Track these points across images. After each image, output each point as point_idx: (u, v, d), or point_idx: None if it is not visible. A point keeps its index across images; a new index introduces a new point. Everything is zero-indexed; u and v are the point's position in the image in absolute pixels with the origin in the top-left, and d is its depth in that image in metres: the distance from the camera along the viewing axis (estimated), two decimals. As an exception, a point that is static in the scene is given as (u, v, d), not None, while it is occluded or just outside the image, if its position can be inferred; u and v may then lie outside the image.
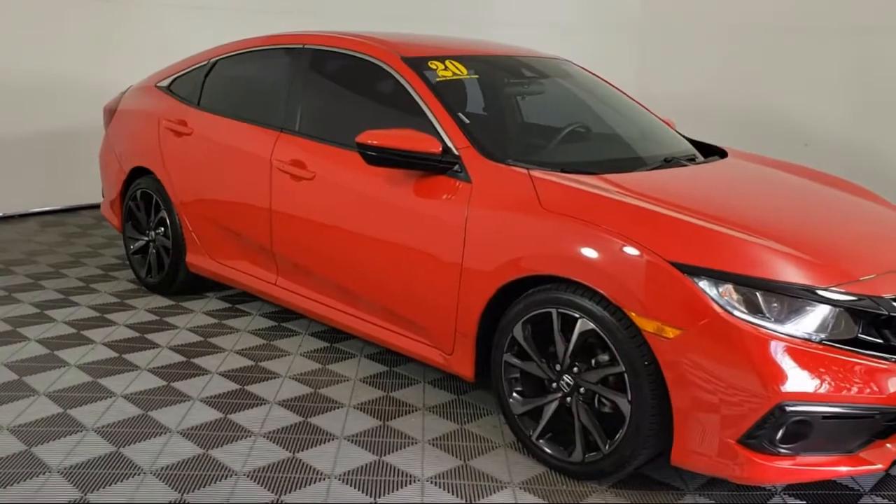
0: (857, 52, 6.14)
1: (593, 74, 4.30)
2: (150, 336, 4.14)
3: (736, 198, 3.24)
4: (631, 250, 2.70)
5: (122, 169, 4.93)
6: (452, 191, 3.21)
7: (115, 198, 5.05)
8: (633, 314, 2.67)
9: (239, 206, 4.14)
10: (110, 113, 5.16)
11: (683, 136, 4.08)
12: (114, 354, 3.89)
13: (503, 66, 3.99)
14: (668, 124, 4.18)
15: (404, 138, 3.24)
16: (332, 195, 3.64)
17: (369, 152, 3.27)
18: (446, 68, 3.65)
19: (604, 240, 2.75)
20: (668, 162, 3.57)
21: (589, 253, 2.78)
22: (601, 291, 2.74)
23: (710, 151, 3.93)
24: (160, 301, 4.71)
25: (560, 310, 2.86)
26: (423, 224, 3.27)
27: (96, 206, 7.00)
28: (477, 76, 3.78)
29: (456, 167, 3.24)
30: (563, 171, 3.19)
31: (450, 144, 3.29)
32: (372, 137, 3.26)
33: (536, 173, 3.09)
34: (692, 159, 3.72)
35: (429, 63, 3.65)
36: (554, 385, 2.96)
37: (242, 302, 4.73)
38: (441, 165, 3.24)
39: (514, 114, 3.79)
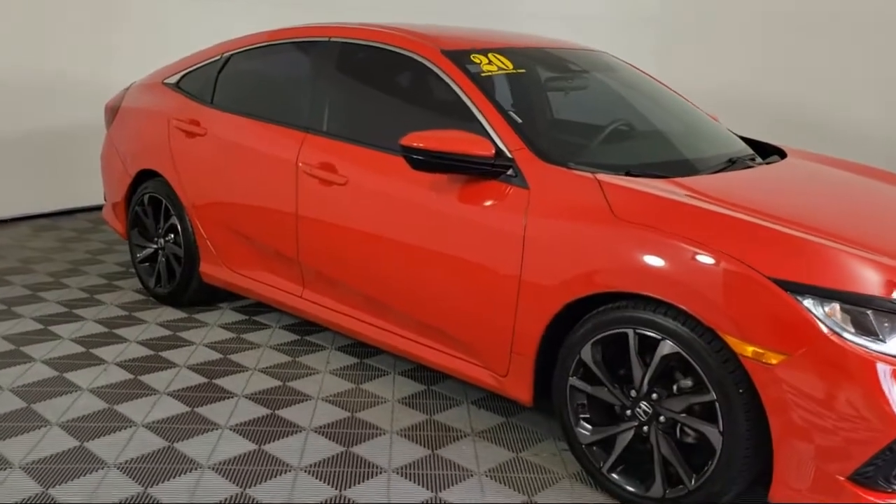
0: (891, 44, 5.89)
1: (634, 68, 4.02)
2: (165, 354, 3.82)
3: (823, 204, 2.98)
4: (725, 265, 2.42)
5: (126, 171, 4.60)
6: (506, 197, 2.93)
7: (119, 202, 4.72)
8: (728, 337, 2.40)
9: (260, 213, 3.84)
10: (112, 111, 4.83)
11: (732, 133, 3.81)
12: (128, 376, 3.58)
13: (547, 59, 3.69)
14: (713, 119, 3.91)
15: (454, 140, 2.95)
16: (368, 201, 3.34)
17: (415, 156, 2.97)
18: (490, 62, 3.36)
19: (692, 253, 2.47)
20: (733, 163, 3.29)
21: (675, 268, 2.50)
22: (689, 311, 2.47)
23: (760, 148, 3.66)
24: (171, 313, 4.39)
25: (638, 330, 2.59)
26: (474, 233, 2.98)
27: (93, 209, 6.70)
28: (523, 70, 3.49)
29: (510, 171, 2.95)
30: (628, 174, 2.91)
31: (502, 146, 3.00)
32: (418, 140, 2.96)
33: (603, 178, 2.81)
34: (752, 159, 3.46)
35: (471, 57, 3.36)
36: (628, 412, 2.68)
37: (259, 313, 4.42)
38: (493, 170, 2.95)
39: (565, 112, 3.50)
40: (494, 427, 3.24)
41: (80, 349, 3.84)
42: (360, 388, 3.54)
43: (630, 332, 2.61)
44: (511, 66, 3.41)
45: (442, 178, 3.09)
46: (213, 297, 4.49)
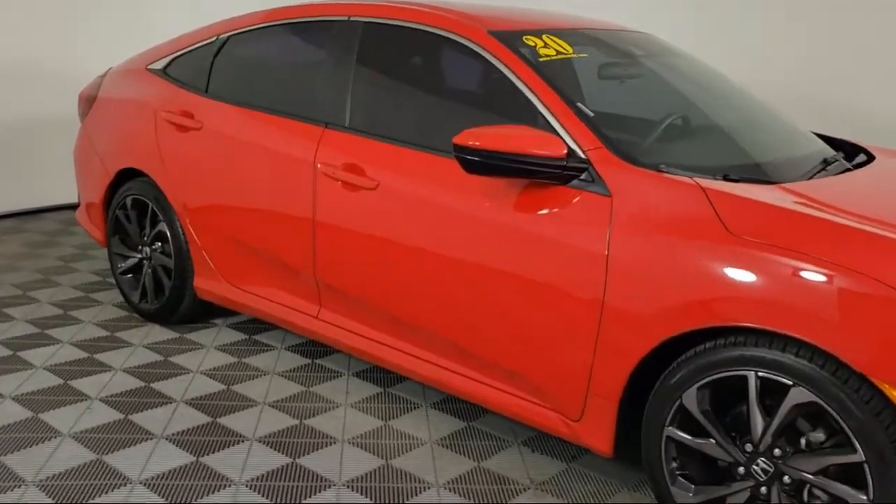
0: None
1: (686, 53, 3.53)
2: (158, 386, 3.28)
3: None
4: (877, 294, 1.95)
5: (105, 170, 4.03)
6: (581, 206, 2.43)
7: (95, 204, 4.15)
8: (886, 385, 1.93)
9: (268, 221, 3.30)
10: (87, 101, 4.24)
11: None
12: (117, 415, 3.02)
13: (600, 42, 3.19)
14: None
15: (519, 138, 2.44)
16: (404, 209, 2.82)
17: (471, 157, 2.46)
18: (546, 45, 2.85)
19: (834, 279, 2.00)
20: (828, 164, 2.83)
21: (811, 297, 2.02)
22: (831, 351, 1.99)
23: (835, 146, 3.21)
24: (160, 333, 3.84)
25: (762, 373, 2.11)
26: (541, 248, 2.48)
27: (62, 208, 6.10)
28: (584, 55, 2.99)
29: (584, 175, 2.45)
30: (726, 178, 2.43)
31: (573, 145, 2.50)
32: (475, 138, 2.46)
33: (707, 184, 2.32)
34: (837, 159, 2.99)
35: (523, 39, 2.85)
36: (742, 470, 2.21)
37: (260, 331, 3.89)
38: (565, 173, 2.46)
39: (628, 103, 3.00)
40: (557, 475, 2.76)
41: (55, 380, 3.28)
42: (390, 426, 3.03)
43: (751, 375, 2.13)
44: (570, 50, 2.90)
45: (497, 182, 2.59)
46: (206, 312, 3.94)
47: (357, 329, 3.13)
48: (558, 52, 2.84)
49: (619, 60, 3.15)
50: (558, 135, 2.53)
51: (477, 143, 2.44)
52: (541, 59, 2.76)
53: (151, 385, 3.28)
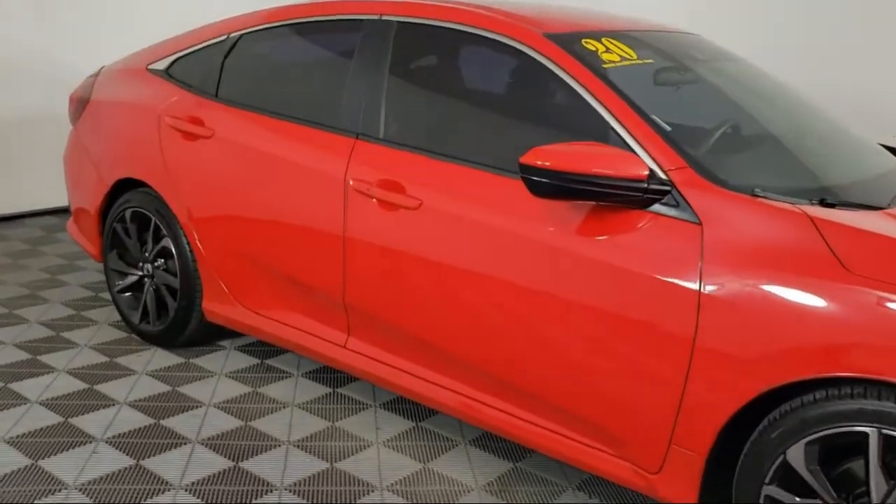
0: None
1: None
2: (170, 423, 2.96)
3: None
4: None
5: (101, 180, 3.69)
6: (667, 234, 2.16)
7: (91, 216, 3.81)
8: None
9: (290, 240, 3.00)
10: (79, 104, 3.90)
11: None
12: (128, 461, 2.71)
13: (665, 46, 2.92)
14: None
15: (595, 158, 2.17)
16: (452, 232, 2.53)
17: (540, 178, 2.18)
18: (608, 50, 2.58)
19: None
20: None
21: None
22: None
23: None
24: (163, 358, 3.52)
25: (886, 430, 1.86)
26: (619, 280, 2.21)
27: (46, 213, 5.73)
28: (650, 61, 2.71)
29: (667, 199, 2.18)
30: (823, 203, 2.17)
31: (652, 165, 2.23)
32: (544, 157, 2.18)
33: (812, 212, 2.06)
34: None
35: (583, 43, 2.57)
36: (856, 535, 1.96)
37: (272, 354, 3.58)
38: (645, 197, 2.18)
39: (709, 116, 2.73)
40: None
41: (54, 418, 2.95)
42: (430, 469, 2.75)
43: (872, 431, 1.88)
44: (634, 56, 2.63)
45: (561, 206, 2.31)
46: (212, 334, 3.63)
47: (391, 361, 2.84)
48: (622, 58, 2.57)
49: (681, 66, 2.88)
50: (633, 153, 2.26)
51: (547, 164, 2.16)
52: (605, 66, 2.49)
53: (162, 422, 2.97)
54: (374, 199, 2.70)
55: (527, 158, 2.19)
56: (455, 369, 2.66)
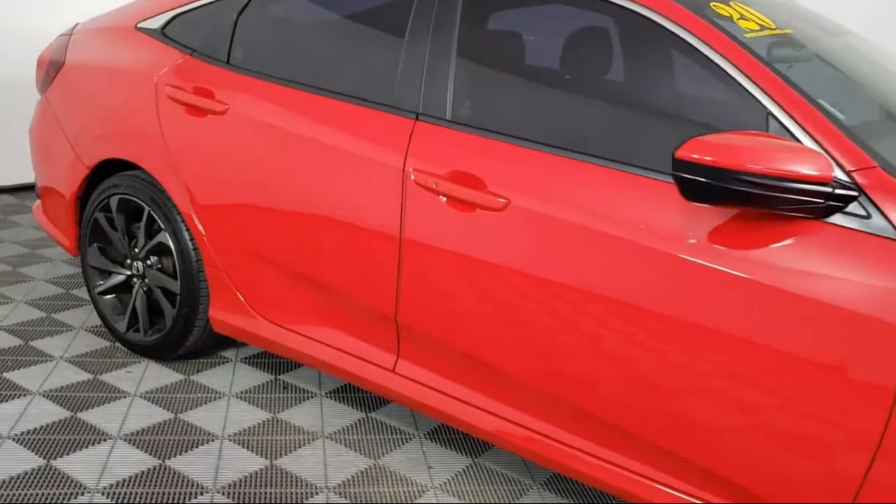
0: None
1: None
2: (177, 465, 2.41)
3: None
4: None
5: (79, 160, 3.08)
6: (858, 252, 1.69)
7: (64, 202, 3.20)
8: None
9: (327, 241, 2.46)
10: (51, 68, 3.27)
11: None
12: (132, 520, 2.17)
13: (790, 16, 2.42)
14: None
15: (775, 153, 1.67)
16: (549, 241, 2.03)
17: (697, 177, 1.69)
18: (743, 17, 2.08)
19: None
20: None
21: None
22: None
23: None
24: (158, 374, 2.95)
25: None
26: (792, 308, 1.73)
27: (1, 191, 5.05)
28: (790, 31, 2.22)
29: (852, 206, 1.71)
30: None
31: (833, 163, 1.75)
32: (706, 150, 1.68)
33: None
34: None
35: (712, 6, 2.08)
36: None
37: (285, 370, 3.05)
38: (826, 204, 1.71)
39: (877, 103, 2.25)
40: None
41: (32, 459, 2.38)
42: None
43: None
44: (773, 24, 2.14)
45: (697, 209, 1.83)
46: (211, 342, 3.07)
47: (454, 392, 2.34)
48: (762, 27, 2.07)
49: (820, 39, 2.39)
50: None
51: (709, 159, 1.67)
52: (748, 36, 1.99)
53: (169, 463, 2.42)
54: (443, 196, 2.18)
55: (684, 152, 1.69)
56: (543, 409, 2.17)
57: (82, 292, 3.59)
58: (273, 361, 3.09)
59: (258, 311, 2.72)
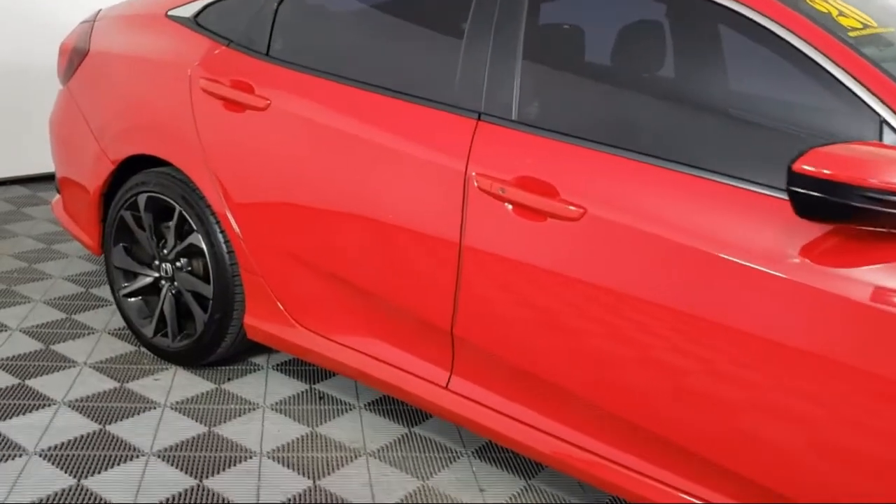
0: None
1: None
2: (216, 484, 2.26)
3: None
4: None
5: (104, 154, 2.92)
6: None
7: (88, 199, 3.03)
8: None
9: (377, 247, 2.30)
10: (75, 56, 3.09)
11: None
12: (172, 549, 2.02)
13: (890, 12, 2.25)
14: None
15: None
16: (632, 256, 1.87)
17: (815, 193, 1.53)
18: (842, 13, 1.92)
19: None
20: None
21: None
22: None
23: None
24: (188, 382, 2.80)
25: None
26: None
27: (13, 182, 4.87)
28: (892, 30, 2.05)
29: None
30: None
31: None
32: (828, 163, 1.52)
33: None
34: None
35: (807, 1, 1.91)
36: None
37: (320, 378, 2.89)
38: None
39: None
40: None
41: (64, 480, 2.22)
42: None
43: None
44: (874, 23, 1.97)
45: (800, 224, 1.66)
46: (242, 348, 2.93)
47: (512, 411, 2.18)
48: (864, 25, 1.91)
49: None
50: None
51: (829, 173, 1.51)
52: (851, 35, 1.83)
53: (207, 483, 2.26)
54: (509, 203, 2.02)
55: (802, 164, 1.53)
56: (610, 431, 2.02)
57: (102, 291, 3.44)
58: (307, 369, 2.94)
59: (297, 320, 2.56)
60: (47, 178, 4.92)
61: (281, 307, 2.58)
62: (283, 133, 2.44)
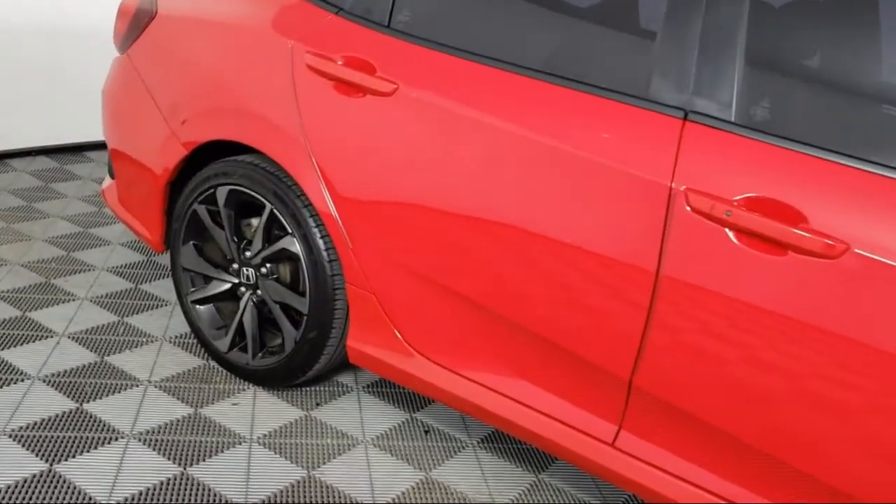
0: None
1: None
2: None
3: None
4: None
5: (174, 137, 2.47)
6: None
7: (152, 187, 2.59)
8: None
9: (532, 267, 1.88)
10: (137, 20, 2.64)
11: None
12: None
13: None
14: None
15: None
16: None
17: None
18: None
19: None
20: None
21: None
22: None
23: None
24: (271, 407, 2.39)
25: None
26: None
27: (40, 152, 4.40)
28: None
29: None
30: None
31: None
32: None
33: None
34: None
35: None
36: None
37: (420, 406, 2.48)
38: None
39: None
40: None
41: (148, 543, 1.82)
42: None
43: None
44: None
45: None
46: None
47: (695, 478, 1.78)
48: None
49: None
50: None
51: None
52: None
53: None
54: (730, 229, 1.60)
55: None
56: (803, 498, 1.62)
57: (154, 288, 3.03)
58: (401, 393, 2.53)
59: (415, 347, 2.14)
60: (76, 149, 4.47)
61: (396, 331, 2.16)
62: (414, 125, 2.01)
